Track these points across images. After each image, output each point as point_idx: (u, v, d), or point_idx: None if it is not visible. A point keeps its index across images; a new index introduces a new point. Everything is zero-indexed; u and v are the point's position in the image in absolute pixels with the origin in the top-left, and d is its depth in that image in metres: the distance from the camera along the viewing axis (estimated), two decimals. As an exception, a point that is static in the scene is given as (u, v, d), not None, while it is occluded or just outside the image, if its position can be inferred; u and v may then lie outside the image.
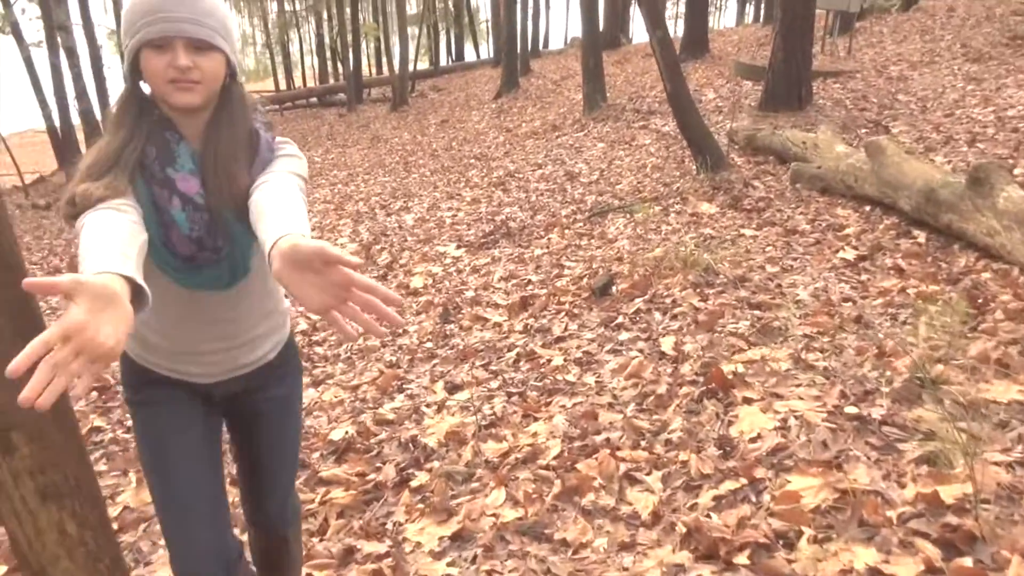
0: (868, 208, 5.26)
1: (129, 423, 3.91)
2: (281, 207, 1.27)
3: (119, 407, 4.15)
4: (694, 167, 6.99)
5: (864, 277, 4.05)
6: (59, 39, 16.01)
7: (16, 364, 0.92)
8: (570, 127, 11.30)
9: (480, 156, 11.04)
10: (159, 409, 1.62)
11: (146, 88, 1.46)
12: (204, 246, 1.46)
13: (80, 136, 18.42)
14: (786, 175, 6.43)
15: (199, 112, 1.46)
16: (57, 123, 17.67)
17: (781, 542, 2.09)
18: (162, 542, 2.69)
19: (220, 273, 1.50)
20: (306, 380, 4.16)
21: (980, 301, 3.38)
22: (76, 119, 17.32)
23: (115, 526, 2.85)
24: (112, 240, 1.18)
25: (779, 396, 2.83)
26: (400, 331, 4.60)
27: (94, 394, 4.43)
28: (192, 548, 1.60)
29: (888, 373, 2.84)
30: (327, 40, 30.40)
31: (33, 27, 17.50)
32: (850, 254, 4.38)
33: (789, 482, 2.32)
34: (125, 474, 3.31)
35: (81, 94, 16.88)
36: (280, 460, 1.83)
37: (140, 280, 1.10)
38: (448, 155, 11.76)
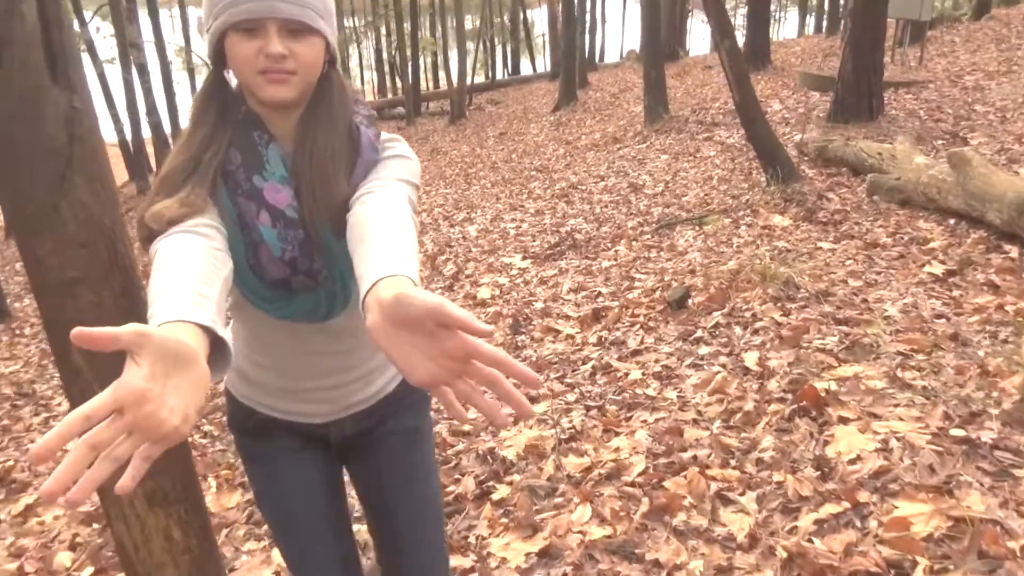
0: (952, 221, 5.05)
1: (207, 428, 3.95)
2: (385, 233, 1.01)
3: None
4: (763, 179, 6.84)
5: (956, 293, 3.87)
6: (131, 56, 16.58)
7: (41, 447, 0.66)
8: (631, 139, 11.21)
9: (541, 168, 11.02)
10: (271, 469, 1.44)
11: (232, 78, 1.24)
12: (298, 268, 1.22)
13: (150, 149, 19.00)
14: (861, 187, 6.24)
15: (293, 108, 1.22)
16: (129, 137, 18.26)
17: (894, 572, 1.97)
18: (245, 548, 2.69)
19: (316, 302, 1.26)
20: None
21: (1088, 319, 3.20)
22: (147, 133, 17.91)
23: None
24: (187, 276, 0.95)
25: (877, 416, 2.70)
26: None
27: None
28: None
29: (995, 394, 2.69)
30: (386, 55, 30.89)
31: (107, 44, 18.12)
32: (938, 269, 4.21)
33: (897, 507, 2.20)
34: (205, 479, 3.34)
35: (151, 109, 17.46)
36: (412, 509, 1.47)
37: (222, 331, 0.88)
38: (508, 167, 11.77)
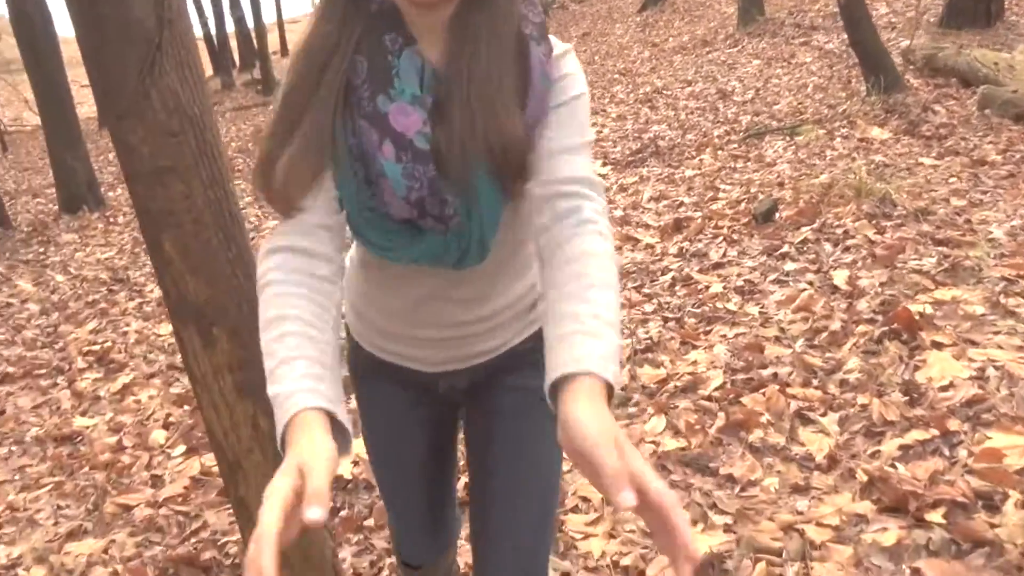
0: (1074, 140, 4.67)
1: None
2: (581, 295, 0.87)
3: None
4: (864, 88, 6.42)
5: (1071, 217, 3.61)
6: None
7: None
8: (722, 43, 10.64)
9: (625, 71, 10.62)
10: (377, 412, 1.33)
11: None
12: (427, 211, 1.01)
13: (233, 43, 19.08)
14: (972, 100, 5.80)
15: (443, 4, 0.95)
16: (213, 30, 18.36)
17: (982, 503, 1.91)
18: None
19: (445, 247, 1.04)
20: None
21: None
22: (230, 27, 17.95)
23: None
24: (304, 345, 0.90)
25: (974, 343, 2.57)
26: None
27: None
28: (398, 534, 1.46)
29: (1108, 326, 2.52)
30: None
31: (191, -66, 18.03)
32: (1052, 190, 3.92)
33: (989, 438, 2.11)
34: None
35: (235, 2, 17.40)
36: (518, 488, 1.20)
37: (343, 416, 0.86)
38: (591, 70, 11.38)
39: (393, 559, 2.07)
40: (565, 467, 2.38)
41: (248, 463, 1.53)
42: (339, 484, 2.48)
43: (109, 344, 4.12)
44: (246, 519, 1.60)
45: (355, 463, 2.57)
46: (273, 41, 20.52)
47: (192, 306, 1.38)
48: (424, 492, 1.37)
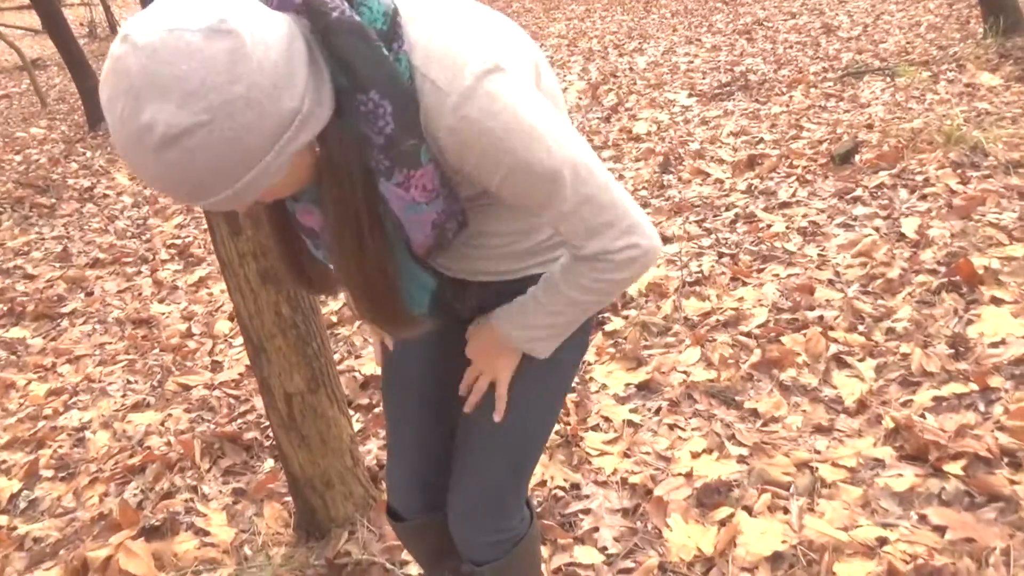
0: None
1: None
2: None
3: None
4: (981, 29, 5.97)
5: None
6: None
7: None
8: (837, -27, 10.00)
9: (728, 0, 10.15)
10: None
11: None
12: None
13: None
14: (1102, 47, 5.33)
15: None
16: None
17: (1006, 460, 1.86)
18: (372, 339, 2.93)
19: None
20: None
21: None
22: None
23: (335, 319, 3.14)
24: None
25: (1037, 302, 2.45)
26: (617, 176, 4.48)
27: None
28: (390, 478, 1.38)
29: None
30: None
31: None
32: None
33: (1030, 397, 2.03)
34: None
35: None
36: (492, 427, 1.18)
37: None
38: (693, -4, 10.92)
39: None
40: (593, 388, 2.44)
41: (271, 347, 1.64)
42: (377, 383, 2.61)
43: (190, 239, 4.36)
44: (270, 400, 1.73)
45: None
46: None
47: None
48: (421, 424, 1.31)
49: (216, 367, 2.92)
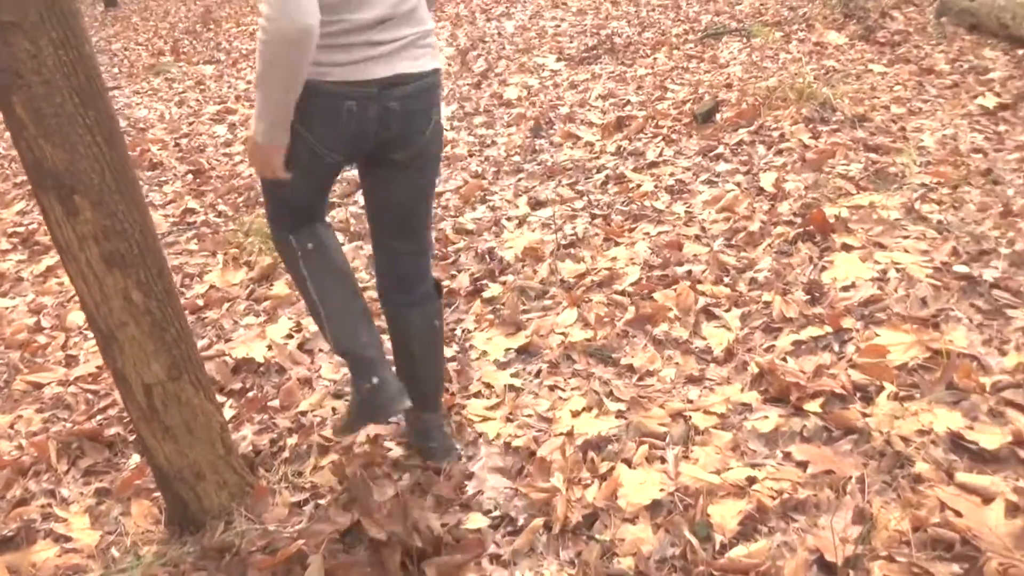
0: (1022, 52, 4.65)
1: (221, 208, 4.01)
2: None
3: (212, 191, 4.25)
4: (827, -9, 6.30)
5: (1002, 128, 3.63)
6: None
7: None
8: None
9: (592, -36, 10.24)
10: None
11: None
12: None
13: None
14: (931, 7, 5.73)
15: None
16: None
17: (859, 395, 1.99)
18: (243, 321, 2.79)
19: None
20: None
21: None
22: None
23: (201, 303, 2.98)
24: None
25: (882, 246, 2.62)
26: (489, 142, 4.46)
27: (189, 176, 4.55)
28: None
29: (1011, 234, 2.58)
30: None
31: None
32: (991, 101, 3.92)
33: (878, 335, 2.18)
34: (214, 255, 3.42)
35: None
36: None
37: None
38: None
39: (294, 439, 2.12)
40: (474, 356, 2.44)
41: (123, 335, 1.53)
42: (250, 367, 2.51)
43: (35, 226, 4.02)
44: (127, 391, 1.62)
45: (269, 347, 2.59)
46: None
47: (50, 172, 1.34)
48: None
49: (71, 362, 2.72)
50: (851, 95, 4.09)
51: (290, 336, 2.67)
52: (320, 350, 2.57)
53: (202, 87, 7.06)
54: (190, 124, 5.81)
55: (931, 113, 3.90)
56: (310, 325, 2.64)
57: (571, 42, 6.48)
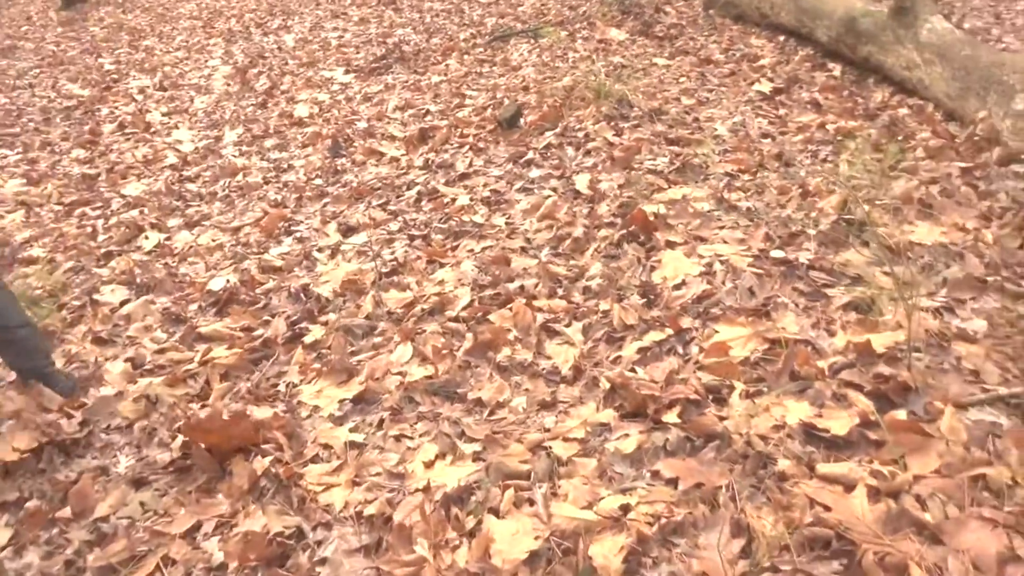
0: (783, 38, 5.02)
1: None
2: None
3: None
4: (601, -11, 6.51)
5: (782, 112, 3.87)
6: None
7: None
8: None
9: (367, -30, 10.00)
10: None
11: None
12: None
13: None
14: (699, 1, 6.08)
15: None
16: None
17: (712, 397, 1.96)
18: None
19: None
20: (179, 221, 3.71)
21: (900, 139, 3.27)
22: None
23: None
24: None
25: (703, 239, 2.66)
26: (286, 166, 4.14)
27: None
28: None
29: (814, 214, 2.71)
30: None
31: None
32: (766, 87, 4.18)
33: (717, 332, 2.18)
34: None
35: None
36: None
37: None
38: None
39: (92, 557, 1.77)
40: (304, 414, 2.18)
41: None
42: (20, 466, 2.08)
43: None
44: None
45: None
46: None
47: None
48: None
49: None
50: (643, 89, 4.20)
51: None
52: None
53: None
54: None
55: (717, 102, 4.08)
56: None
57: (358, 52, 6.24)
